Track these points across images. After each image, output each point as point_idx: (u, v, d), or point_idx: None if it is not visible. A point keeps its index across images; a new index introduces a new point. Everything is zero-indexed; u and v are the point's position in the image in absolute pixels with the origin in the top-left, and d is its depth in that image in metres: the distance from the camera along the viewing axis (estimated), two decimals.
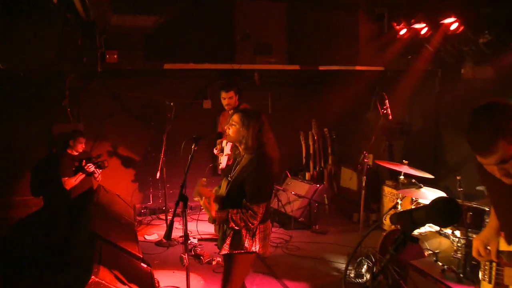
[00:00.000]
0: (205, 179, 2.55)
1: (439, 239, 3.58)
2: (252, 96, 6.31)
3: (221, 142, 4.65)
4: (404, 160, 4.13)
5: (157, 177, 5.19)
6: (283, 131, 6.69)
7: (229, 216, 2.45)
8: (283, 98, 6.80)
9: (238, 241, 2.58)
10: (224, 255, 2.66)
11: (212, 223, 2.61)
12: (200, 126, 6.32)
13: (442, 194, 3.69)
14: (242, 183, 2.50)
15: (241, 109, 2.68)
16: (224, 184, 2.68)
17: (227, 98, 4.40)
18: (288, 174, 6.33)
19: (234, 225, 2.47)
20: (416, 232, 3.61)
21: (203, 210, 2.60)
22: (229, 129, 2.60)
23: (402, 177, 4.23)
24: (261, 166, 2.49)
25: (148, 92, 6.12)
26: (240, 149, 2.64)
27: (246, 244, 2.57)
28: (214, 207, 2.47)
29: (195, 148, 2.62)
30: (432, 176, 3.93)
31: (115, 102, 6.05)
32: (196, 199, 2.50)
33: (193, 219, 5.86)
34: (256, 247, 2.59)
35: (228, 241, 2.60)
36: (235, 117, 2.58)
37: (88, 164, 4.77)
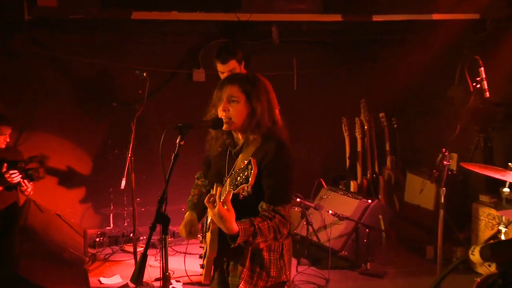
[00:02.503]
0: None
1: None
2: (268, 64, 6.33)
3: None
4: (510, 163, 4.13)
5: (122, 187, 5.21)
6: (315, 117, 6.81)
7: (256, 227, 2.53)
8: (316, 67, 6.75)
9: (261, 269, 2.68)
10: None
11: (215, 256, 2.64)
12: (188, 109, 6.19)
13: None
14: (257, 180, 2.55)
15: (233, 76, 2.81)
16: (219, 191, 2.70)
17: (226, 72, 4.43)
18: (323, 183, 6.27)
19: (261, 240, 2.56)
20: None
21: (208, 231, 2.63)
22: (227, 110, 2.68)
23: (507, 189, 4.28)
24: (282, 151, 2.66)
25: (107, 57, 6.11)
26: (240, 135, 2.77)
27: (274, 272, 2.69)
28: (234, 215, 2.49)
29: (182, 143, 2.65)
30: None
31: (55, 71, 6.02)
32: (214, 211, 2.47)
33: (177, 251, 5.89)
34: (287, 273, 2.76)
35: (244, 276, 2.67)
36: (233, 90, 2.69)
37: (12, 171, 4.71)
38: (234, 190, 2.49)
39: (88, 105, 6.18)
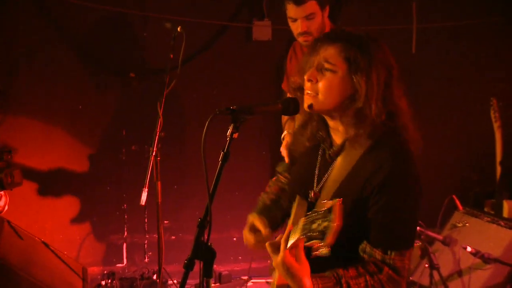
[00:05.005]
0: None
1: None
2: (372, 13, 6.77)
3: (291, 122, 4.88)
4: None
5: (142, 203, 5.25)
6: (446, 98, 7.05)
7: (344, 286, 2.60)
8: (447, 19, 6.95)
9: None
10: None
11: None
12: (245, 83, 6.48)
13: None
14: (358, 208, 2.67)
15: (335, 31, 2.84)
16: (298, 210, 2.85)
17: (300, 19, 4.59)
18: (458, 203, 6.17)
19: None
20: None
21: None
22: (313, 81, 2.74)
23: None
24: (404, 165, 2.68)
25: (121, 1, 6.36)
26: (339, 125, 2.81)
27: None
28: (307, 267, 2.57)
29: (235, 136, 2.72)
30: None
31: (44, 22, 6.25)
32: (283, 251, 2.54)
33: None
34: None
35: None
36: (330, 52, 2.73)
37: None
38: (306, 241, 2.52)
39: (92, 76, 6.38)
